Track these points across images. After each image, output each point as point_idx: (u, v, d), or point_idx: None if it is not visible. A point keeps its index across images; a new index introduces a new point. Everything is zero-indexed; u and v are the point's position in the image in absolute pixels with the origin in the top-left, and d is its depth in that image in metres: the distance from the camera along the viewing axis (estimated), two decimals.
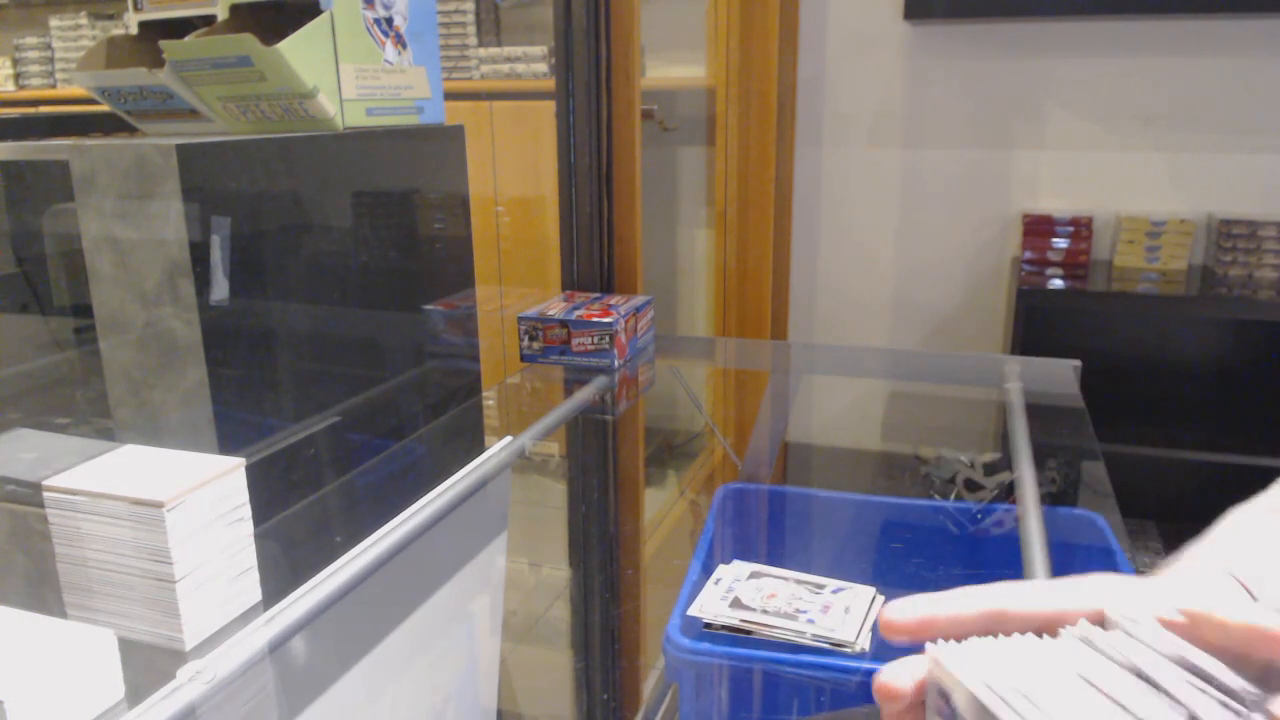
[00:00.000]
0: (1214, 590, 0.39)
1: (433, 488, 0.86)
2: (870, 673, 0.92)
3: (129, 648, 0.58)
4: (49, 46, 3.35)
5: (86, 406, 0.91)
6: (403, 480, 1.01)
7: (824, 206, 2.49)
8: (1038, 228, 2.24)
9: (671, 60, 2.53)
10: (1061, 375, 1.32)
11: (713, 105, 2.37)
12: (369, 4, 0.95)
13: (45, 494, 0.61)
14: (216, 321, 0.78)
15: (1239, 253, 2.08)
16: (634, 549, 1.35)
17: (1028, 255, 2.24)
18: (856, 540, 1.27)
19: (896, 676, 0.37)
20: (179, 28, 0.94)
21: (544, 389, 1.31)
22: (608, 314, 1.30)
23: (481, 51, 2.68)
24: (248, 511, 0.66)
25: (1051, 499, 1.11)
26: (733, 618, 0.92)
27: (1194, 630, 0.34)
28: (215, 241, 0.78)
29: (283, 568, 0.73)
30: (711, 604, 0.94)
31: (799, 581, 0.97)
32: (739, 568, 1.00)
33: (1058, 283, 2.09)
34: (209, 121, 0.95)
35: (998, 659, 0.35)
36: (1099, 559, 1.08)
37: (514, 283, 2.47)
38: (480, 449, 0.97)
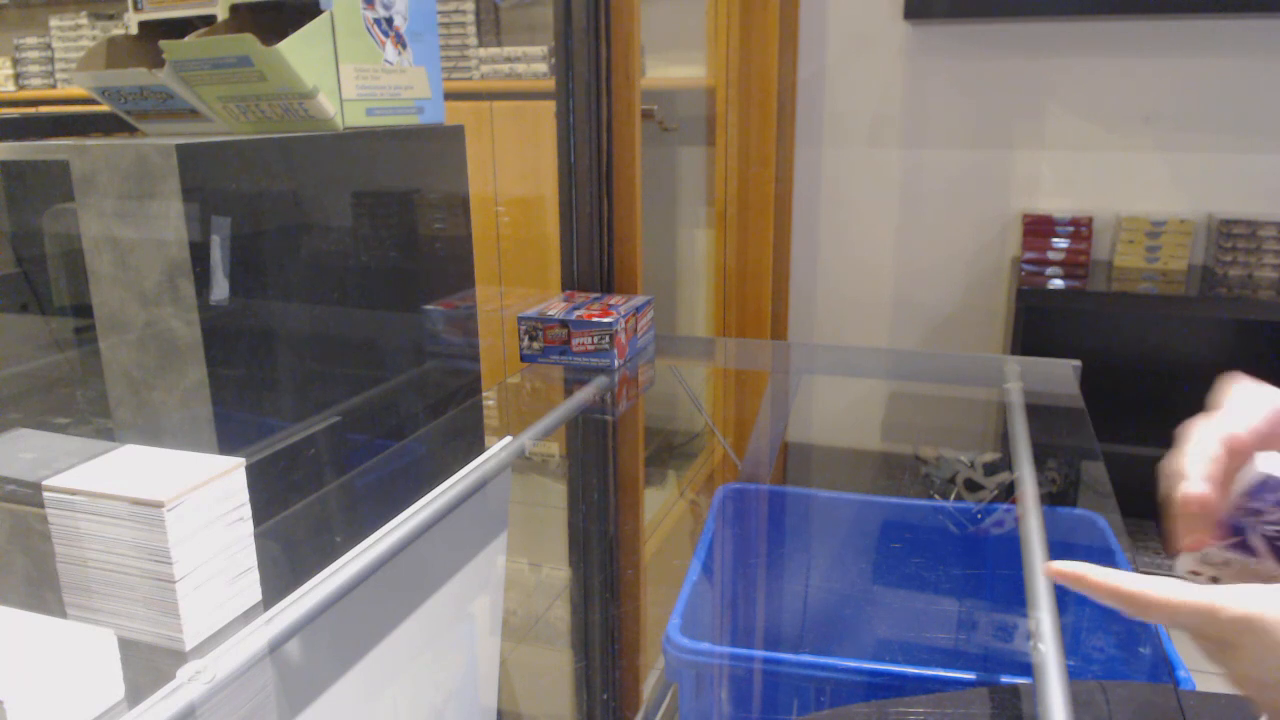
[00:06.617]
0: None
1: (432, 488, 0.86)
2: (871, 673, 0.92)
3: (129, 648, 0.58)
4: (49, 46, 3.34)
5: (86, 406, 0.91)
6: (402, 480, 1.01)
7: (824, 206, 2.49)
8: (1038, 228, 2.24)
9: (671, 60, 2.53)
10: (1061, 375, 1.32)
11: (713, 105, 2.37)
12: (369, 4, 0.95)
13: (45, 494, 0.61)
14: (216, 321, 0.78)
15: (1239, 253, 2.08)
16: (634, 549, 1.35)
17: (1028, 255, 2.24)
18: (856, 540, 1.27)
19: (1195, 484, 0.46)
20: (179, 28, 0.94)
21: (544, 389, 1.31)
22: (608, 314, 1.30)
23: (481, 51, 2.68)
24: (248, 511, 0.66)
25: (1051, 499, 1.11)
26: None
27: None
28: (215, 241, 0.78)
29: (283, 568, 0.73)
30: None
31: None
32: None
33: (1058, 283, 2.09)
34: (209, 121, 0.95)
35: None
36: (1099, 559, 1.08)
37: (514, 283, 2.47)
38: (480, 449, 0.97)
